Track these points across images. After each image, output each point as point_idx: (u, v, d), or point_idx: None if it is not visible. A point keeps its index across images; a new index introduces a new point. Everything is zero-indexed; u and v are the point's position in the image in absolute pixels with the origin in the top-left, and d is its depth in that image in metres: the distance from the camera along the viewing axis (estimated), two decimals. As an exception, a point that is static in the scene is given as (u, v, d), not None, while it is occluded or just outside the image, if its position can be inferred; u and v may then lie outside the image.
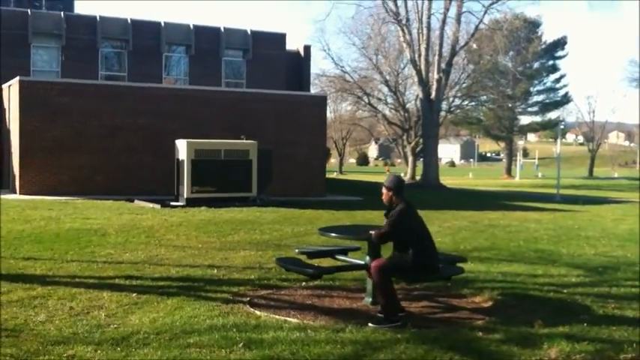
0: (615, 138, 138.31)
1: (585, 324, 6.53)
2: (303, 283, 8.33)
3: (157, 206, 18.32)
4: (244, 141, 20.81)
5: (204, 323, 6.28)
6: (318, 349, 5.55)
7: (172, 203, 19.16)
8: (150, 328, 6.08)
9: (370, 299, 7.38)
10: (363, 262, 7.42)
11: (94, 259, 9.83)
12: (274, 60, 32.95)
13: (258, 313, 6.78)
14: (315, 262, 8.76)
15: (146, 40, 31.19)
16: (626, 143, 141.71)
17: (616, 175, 78.65)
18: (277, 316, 6.65)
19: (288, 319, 6.58)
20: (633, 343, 5.81)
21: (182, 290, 7.79)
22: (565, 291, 8.34)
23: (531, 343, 5.82)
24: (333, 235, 7.40)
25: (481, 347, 5.76)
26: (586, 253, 11.90)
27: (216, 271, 9.12)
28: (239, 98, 25.20)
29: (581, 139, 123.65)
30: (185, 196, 19.40)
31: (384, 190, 7.05)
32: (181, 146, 19.93)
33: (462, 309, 7.39)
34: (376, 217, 17.63)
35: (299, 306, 7.26)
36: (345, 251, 8.10)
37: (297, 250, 8.35)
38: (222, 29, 32.93)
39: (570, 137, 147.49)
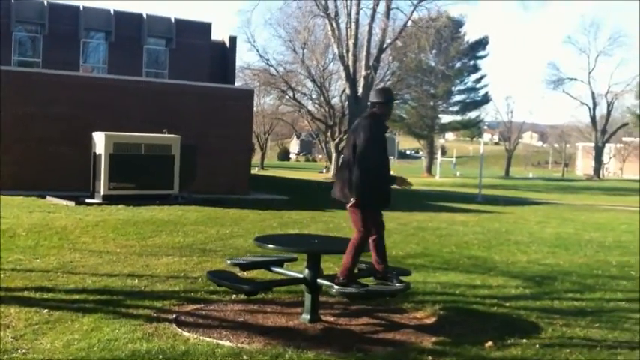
0: (529, 138, 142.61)
1: (538, 345, 6.19)
2: (234, 296, 7.70)
3: (71, 203, 17.22)
4: (166, 135, 19.87)
5: (126, 348, 5.58)
6: (257, 380, 4.96)
7: (88, 200, 18.07)
8: (64, 354, 5.35)
9: (308, 316, 6.83)
10: (301, 276, 6.87)
11: (1, 265, 8.89)
12: (198, 50, 31.96)
13: (186, 334, 6.12)
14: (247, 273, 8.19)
15: (63, 24, 29.66)
16: (539, 144, 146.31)
17: (531, 176, 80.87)
18: (208, 338, 6.00)
19: (220, 341, 5.95)
20: (594, 371, 5.48)
21: (100, 305, 7.03)
22: (507, 304, 8.03)
23: (486, 370, 5.41)
24: (271, 246, 6.81)
25: (434, 375, 5.30)
26: (519, 260, 11.73)
27: (137, 281, 8.37)
28: (162, 89, 24.17)
29: (496, 138, 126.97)
30: (102, 192, 18.32)
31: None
32: (99, 139, 18.82)
33: (405, 326, 6.94)
34: (304, 218, 17.16)
35: (230, 324, 6.64)
36: (280, 262, 7.52)
37: (228, 262, 7.70)
38: (145, 16, 31.70)
39: (486, 137, 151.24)
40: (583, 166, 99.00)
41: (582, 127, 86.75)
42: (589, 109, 78.40)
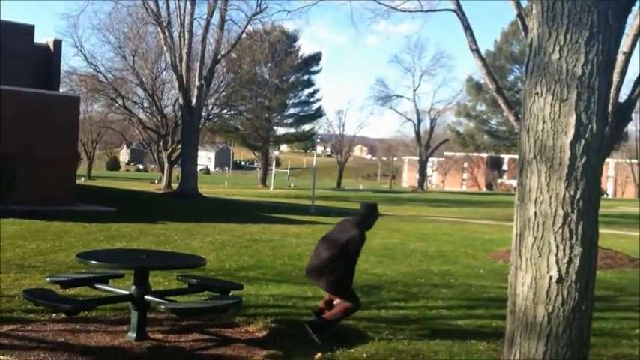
0: (359, 152, 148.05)
1: (365, 354, 6.33)
2: (54, 315, 7.23)
3: None
4: (-18, 142, 18.49)
5: None
6: (77, 406, 4.65)
7: None
8: None
9: (135, 334, 6.54)
10: (127, 292, 6.57)
11: None
12: (20, 54, 29.98)
13: (0, 357, 5.65)
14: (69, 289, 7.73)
15: None
16: (369, 157, 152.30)
17: (361, 187, 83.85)
18: (23, 362, 5.58)
19: (36, 365, 5.55)
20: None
21: None
22: (337, 315, 8.16)
23: (316, 382, 5.44)
24: (95, 262, 6.46)
25: (264, 390, 5.25)
26: (349, 271, 11.99)
27: (-56, 301, 7.65)
28: (-23, 94, 22.42)
29: (329, 151, 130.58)
30: None
31: None
32: None
33: (236, 341, 6.84)
34: (133, 231, 16.58)
35: (50, 345, 6.21)
36: (105, 279, 7.16)
37: (48, 279, 7.22)
38: (-41, 15, 29.39)
39: (319, 149, 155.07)
40: (409, 178, 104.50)
41: (408, 142, 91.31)
42: (414, 125, 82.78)
